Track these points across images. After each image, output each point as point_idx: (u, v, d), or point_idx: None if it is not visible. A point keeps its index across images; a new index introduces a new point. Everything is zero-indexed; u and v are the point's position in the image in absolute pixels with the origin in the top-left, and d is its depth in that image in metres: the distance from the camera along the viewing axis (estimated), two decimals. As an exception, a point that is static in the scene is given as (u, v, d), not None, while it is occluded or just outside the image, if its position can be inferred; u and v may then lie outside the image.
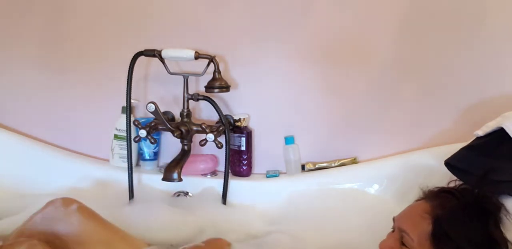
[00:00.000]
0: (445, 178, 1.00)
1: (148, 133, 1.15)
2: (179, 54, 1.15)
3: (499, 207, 0.81)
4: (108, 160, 1.34)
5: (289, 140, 1.28)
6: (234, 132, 1.27)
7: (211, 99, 1.20)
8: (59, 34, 1.30)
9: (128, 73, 1.20)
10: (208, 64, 1.17)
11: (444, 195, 0.82)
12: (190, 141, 1.22)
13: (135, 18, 1.26)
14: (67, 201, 0.91)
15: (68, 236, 0.86)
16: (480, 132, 0.97)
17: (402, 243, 0.81)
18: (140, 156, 1.34)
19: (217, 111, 1.20)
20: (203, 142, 1.14)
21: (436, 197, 0.83)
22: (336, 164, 1.27)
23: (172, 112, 1.30)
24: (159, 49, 1.17)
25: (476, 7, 1.13)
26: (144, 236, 1.02)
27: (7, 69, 1.35)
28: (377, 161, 1.24)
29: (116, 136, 1.30)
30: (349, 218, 1.12)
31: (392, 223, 0.89)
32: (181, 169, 1.14)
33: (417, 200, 0.89)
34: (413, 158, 1.18)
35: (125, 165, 1.24)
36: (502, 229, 0.78)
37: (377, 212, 1.10)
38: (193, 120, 1.23)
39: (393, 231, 0.87)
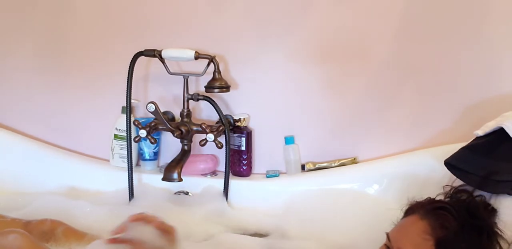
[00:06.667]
0: (445, 178, 1.00)
1: (148, 133, 1.15)
2: (179, 54, 1.15)
3: (490, 220, 0.82)
4: (108, 160, 1.34)
5: (289, 140, 1.28)
6: (234, 132, 1.27)
7: (211, 99, 1.20)
8: (59, 34, 1.30)
9: (128, 73, 1.20)
10: (208, 64, 1.17)
11: (441, 213, 0.81)
12: (190, 141, 1.22)
13: (135, 18, 1.26)
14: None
15: None
16: (480, 132, 0.97)
17: None
18: (140, 156, 1.34)
19: (217, 111, 1.20)
20: (203, 142, 1.14)
21: (433, 215, 0.81)
22: (336, 164, 1.27)
23: (172, 112, 1.30)
24: (159, 49, 1.17)
25: (476, 7, 1.13)
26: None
27: (7, 69, 1.35)
28: (377, 161, 1.24)
29: (116, 136, 1.30)
30: (348, 218, 1.12)
31: (387, 230, 0.88)
32: (181, 169, 1.14)
33: (407, 213, 0.88)
34: (413, 158, 1.18)
35: (125, 165, 1.23)
36: (493, 240, 0.79)
37: (377, 212, 1.10)
38: (193, 120, 1.23)
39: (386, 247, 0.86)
